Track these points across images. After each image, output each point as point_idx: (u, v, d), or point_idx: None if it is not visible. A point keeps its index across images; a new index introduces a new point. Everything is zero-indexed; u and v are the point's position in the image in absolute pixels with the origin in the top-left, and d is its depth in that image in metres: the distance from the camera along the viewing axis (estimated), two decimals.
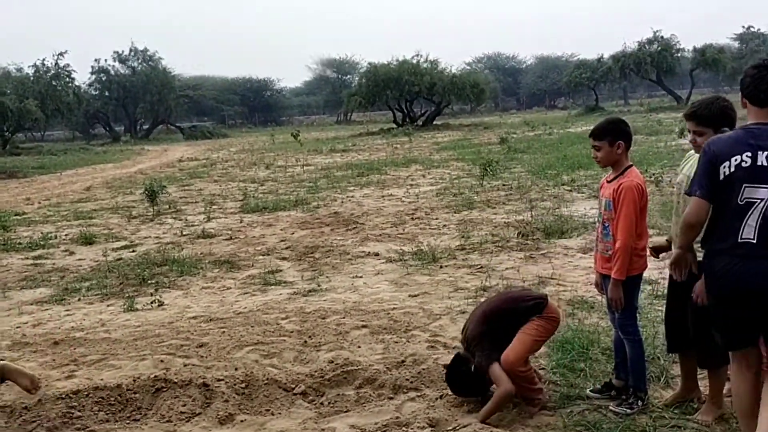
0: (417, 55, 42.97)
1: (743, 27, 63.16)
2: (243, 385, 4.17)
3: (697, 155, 3.25)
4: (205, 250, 8.59)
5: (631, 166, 3.65)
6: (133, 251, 8.87)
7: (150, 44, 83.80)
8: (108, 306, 6.38)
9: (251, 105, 68.49)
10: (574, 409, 3.66)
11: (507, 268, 6.78)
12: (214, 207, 12.35)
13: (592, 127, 3.82)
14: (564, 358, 4.25)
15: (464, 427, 3.53)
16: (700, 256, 3.19)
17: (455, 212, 10.42)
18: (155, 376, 4.28)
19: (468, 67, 64.90)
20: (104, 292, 6.85)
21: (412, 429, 3.52)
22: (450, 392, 3.88)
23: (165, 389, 4.14)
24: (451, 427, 3.53)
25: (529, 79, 74.36)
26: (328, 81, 73.17)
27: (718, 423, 3.44)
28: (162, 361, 4.65)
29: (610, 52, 49.79)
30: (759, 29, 61.59)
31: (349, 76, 69.94)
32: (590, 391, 3.83)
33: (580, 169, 14.13)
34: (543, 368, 4.19)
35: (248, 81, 69.28)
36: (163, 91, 51.14)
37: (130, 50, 52.75)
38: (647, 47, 46.30)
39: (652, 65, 45.77)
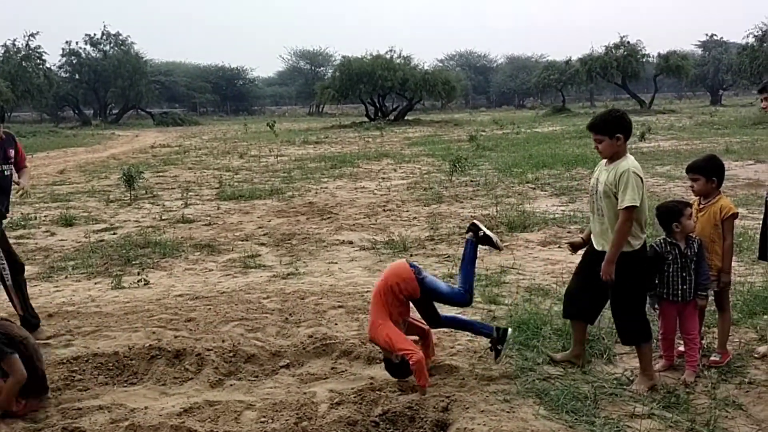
0: (390, 51, 43.48)
1: (706, 35, 65.27)
2: (231, 354, 4.60)
3: (603, 161, 4.13)
4: (185, 234, 8.93)
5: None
6: (114, 233, 9.17)
7: (122, 28, 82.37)
8: (95, 284, 6.71)
9: (223, 93, 68.18)
10: (527, 378, 4.16)
11: None
12: (190, 194, 12.64)
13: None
14: (520, 337, 4.76)
15: (434, 394, 4.00)
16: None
17: (425, 205, 10.91)
18: (149, 345, 4.69)
19: (440, 64, 65.82)
20: (90, 271, 7.18)
21: (384, 393, 3.98)
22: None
23: (159, 357, 4.55)
24: (417, 392, 4.00)
25: (499, 78, 75.44)
26: (301, 72, 73.25)
27: (651, 392, 3.98)
28: (154, 332, 5.05)
29: (578, 55, 50.97)
30: (722, 37, 63.69)
31: (322, 68, 70.20)
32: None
33: (544, 168, 14.76)
34: None
35: (221, 69, 69.00)
36: (134, 76, 50.76)
37: (102, 34, 52.27)
38: (614, 52, 47.50)
39: (617, 69, 46.97)
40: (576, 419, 3.61)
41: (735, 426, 3.57)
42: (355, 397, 3.93)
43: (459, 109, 62.63)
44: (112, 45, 52.36)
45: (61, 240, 8.87)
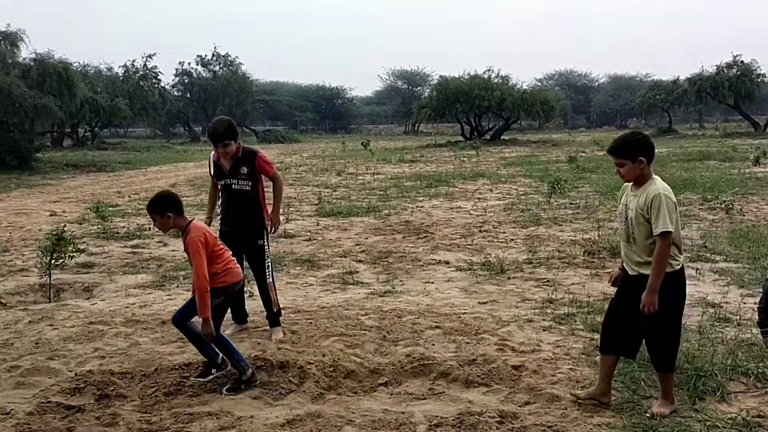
0: (488, 70, 43.33)
1: None
2: (331, 369, 4.70)
3: (628, 185, 4.08)
4: (287, 249, 9.23)
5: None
6: None
7: (231, 50, 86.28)
8: None
9: (322, 112, 70.25)
10: (634, 413, 4.00)
11: (573, 284, 7.11)
12: (291, 209, 13.04)
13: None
14: (626, 368, 4.58)
15: (535, 423, 3.92)
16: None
17: (522, 227, 10.75)
18: (255, 356, 4.87)
19: (539, 84, 64.78)
20: None
21: (483, 418, 3.95)
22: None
23: (264, 367, 4.72)
24: (518, 419, 3.93)
25: (600, 98, 73.38)
26: (398, 92, 74.34)
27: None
28: (258, 343, 5.26)
29: (686, 74, 48.76)
30: None
31: (419, 88, 70.93)
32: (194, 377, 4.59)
33: None
34: None
35: (321, 88, 71.15)
36: (241, 95, 53.37)
37: (213, 55, 55.24)
38: (726, 71, 45.11)
39: (729, 90, 44.51)
40: None
41: None
42: (453, 420, 3.92)
43: (557, 129, 61.32)
44: (221, 65, 55.32)
45: (173, 250, 9.38)
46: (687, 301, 5.92)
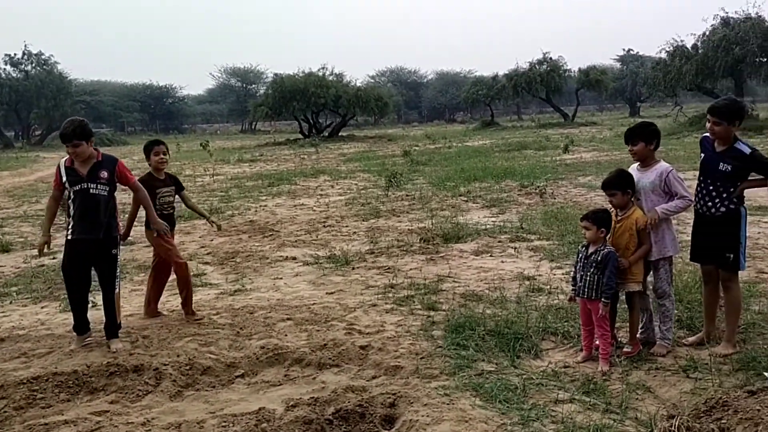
0: (323, 68, 43.97)
1: (624, 49, 68.72)
2: (187, 367, 4.84)
3: None
4: (127, 256, 9.01)
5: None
6: (54, 258, 9.12)
7: (45, 48, 79.57)
8: (42, 308, 6.78)
9: (152, 112, 67.07)
10: (464, 375, 4.60)
11: (411, 269, 7.73)
12: (125, 215, 12.56)
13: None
14: (457, 338, 5.20)
15: (381, 392, 4.38)
16: None
17: (363, 220, 11.32)
18: (107, 363, 4.88)
19: (372, 81, 66.68)
20: (35, 296, 7.22)
21: (336, 394, 4.33)
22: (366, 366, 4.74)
23: (117, 373, 4.76)
24: (367, 391, 4.37)
25: (430, 94, 77.08)
26: (232, 90, 72.82)
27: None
28: (109, 351, 5.24)
29: (504, 70, 52.82)
30: (638, 52, 67.19)
31: (254, 86, 69.98)
32: None
33: (476, 181, 15.44)
34: (440, 346, 5.12)
35: (148, 87, 67.86)
36: (58, 96, 49.18)
37: (24, 53, 50.40)
38: (537, 67, 49.47)
39: (541, 84, 48.91)
40: (508, 407, 4.06)
41: (644, 406, 4.09)
42: (309, 399, 4.26)
43: (392, 125, 63.60)
44: (34, 65, 50.62)
45: (0, 266, 8.81)
46: (507, 276, 6.76)
